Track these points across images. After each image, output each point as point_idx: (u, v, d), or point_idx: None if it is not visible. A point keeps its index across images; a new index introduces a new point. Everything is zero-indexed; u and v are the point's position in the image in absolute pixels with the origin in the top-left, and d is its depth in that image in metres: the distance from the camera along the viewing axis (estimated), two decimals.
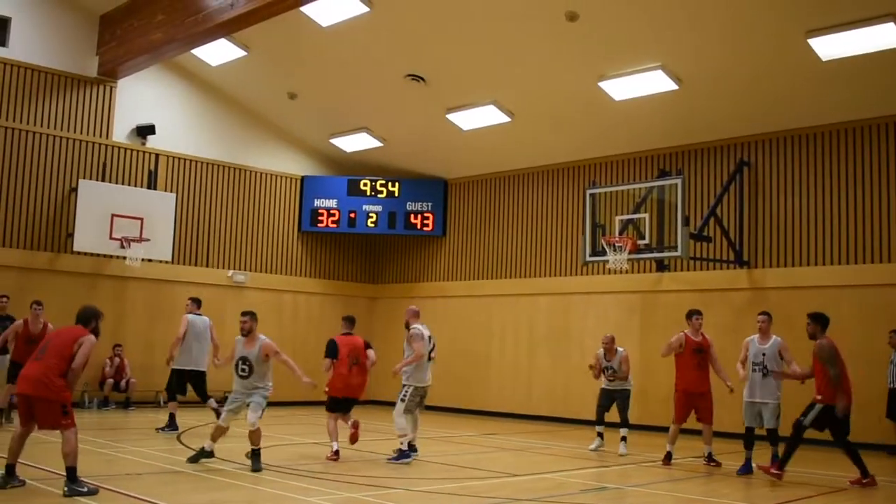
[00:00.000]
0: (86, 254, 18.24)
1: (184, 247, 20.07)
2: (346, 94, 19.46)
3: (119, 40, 18.22)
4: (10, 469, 8.36)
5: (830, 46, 13.84)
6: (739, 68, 15.19)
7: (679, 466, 12.03)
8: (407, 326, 12.03)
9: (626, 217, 16.24)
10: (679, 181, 15.40)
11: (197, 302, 15.16)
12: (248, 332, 10.74)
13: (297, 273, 22.35)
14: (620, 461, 12.49)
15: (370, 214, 22.03)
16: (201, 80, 20.46)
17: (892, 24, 12.94)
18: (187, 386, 14.67)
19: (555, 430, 17.16)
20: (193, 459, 10.48)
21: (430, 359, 12.06)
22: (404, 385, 11.73)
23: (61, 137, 18.40)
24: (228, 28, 16.26)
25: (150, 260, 18.72)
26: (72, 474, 8.12)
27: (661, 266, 17.63)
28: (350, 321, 12.56)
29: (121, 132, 19.30)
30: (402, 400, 11.68)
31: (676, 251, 15.29)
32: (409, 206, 22.14)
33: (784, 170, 16.57)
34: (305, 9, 15.71)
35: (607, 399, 13.86)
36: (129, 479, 9.23)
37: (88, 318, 9.13)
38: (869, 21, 13.10)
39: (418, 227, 22.16)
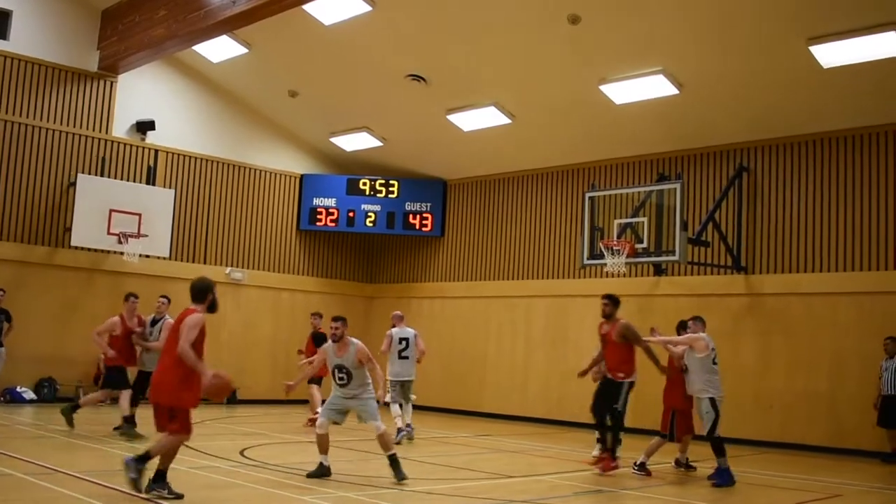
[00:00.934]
0: (83, 249, 18.22)
1: (182, 243, 20.06)
2: (347, 93, 19.46)
3: (120, 35, 18.22)
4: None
5: (831, 54, 13.86)
6: (740, 74, 15.20)
7: (672, 471, 12.01)
8: None
9: (624, 221, 16.24)
10: (678, 186, 15.40)
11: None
12: (339, 338, 10.07)
13: (295, 271, 22.35)
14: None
15: (369, 214, 22.02)
16: (202, 77, 20.45)
17: (893, 32, 12.95)
18: None
19: (550, 433, 17.16)
20: (315, 475, 9.72)
21: (402, 357, 14.26)
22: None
23: (61, 131, 18.39)
24: (230, 25, 16.25)
25: (147, 256, 18.71)
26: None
27: (659, 270, 17.64)
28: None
29: (121, 127, 19.30)
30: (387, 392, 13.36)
31: (674, 255, 15.29)
32: (408, 207, 22.14)
33: (783, 176, 16.58)
34: (308, 7, 15.71)
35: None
36: (123, 475, 9.20)
37: (203, 292, 8.64)
38: (870, 29, 13.12)
39: (417, 227, 22.16)
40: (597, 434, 12.31)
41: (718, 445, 10.83)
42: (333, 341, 10.05)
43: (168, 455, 8.02)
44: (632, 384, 11.60)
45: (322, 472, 9.68)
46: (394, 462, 9.72)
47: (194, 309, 8.41)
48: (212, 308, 8.65)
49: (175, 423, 7.96)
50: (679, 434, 11.76)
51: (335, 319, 10.14)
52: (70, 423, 13.10)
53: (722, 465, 10.78)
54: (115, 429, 13.15)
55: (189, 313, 8.32)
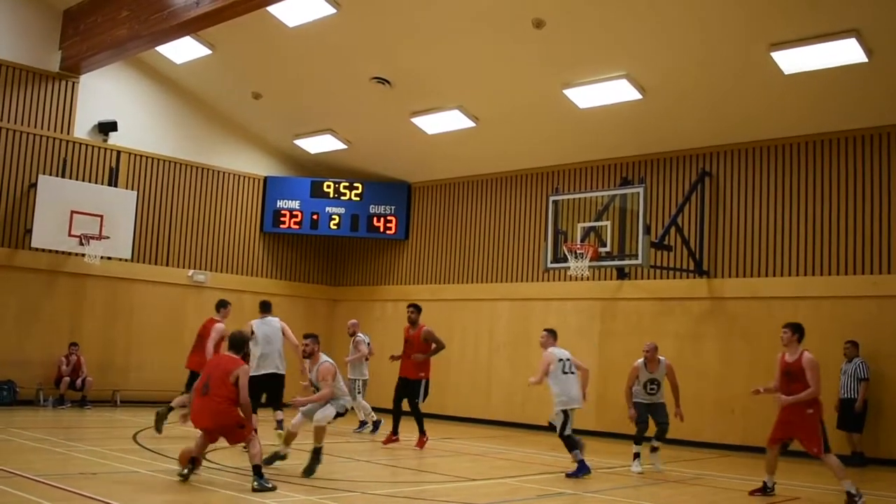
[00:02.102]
0: (44, 250, 18.00)
1: (144, 245, 19.90)
2: (311, 95, 19.41)
3: (82, 35, 18.05)
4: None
5: (793, 60, 14.01)
6: (703, 79, 15.34)
7: (638, 475, 12.09)
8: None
9: (587, 224, 16.31)
10: (641, 190, 15.49)
11: (264, 305, 14.56)
12: (309, 355, 10.75)
13: (259, 274, 22.24)
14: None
15: (333, 216, 21.98)
16: (165, 78, 20.31)
17: (853, 39, 13.12)
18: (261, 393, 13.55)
19: (512, 436, 17.20)
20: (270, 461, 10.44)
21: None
22: None
23: (21, 132, 18.18)
24: (194, 26, 16.15)
25: (109, 258, 18.55)
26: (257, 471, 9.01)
27: (622, 274, 17.76)
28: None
29: (82, 128, 19.11)
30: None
31: (637, 259, 15.37)
32: (373, 209, 22.12)
33: (744, 181, 16.74)
34: (272, 9, 15.65)
35: (645, 413, 12.42)
36: (84, 478, 9.13)
37: (240, 345, 9.80)
38: (831, 36, 13.27)
39: (381, 230, 22.14)
40: (635, 448, 12.45)
41: (570, 443, 11.56)
42: (304, 357, 10.73)
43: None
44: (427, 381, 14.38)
45: (276, 458, 10.57)
46: (316, 455, 10.24)
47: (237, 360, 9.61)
48: (246, 360, 10.01)
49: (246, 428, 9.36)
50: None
51: (306, 336, 10.85)
52: (159, 428, 13.48)
53: (577, 457, 11.51)
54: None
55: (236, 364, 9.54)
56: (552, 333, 12.38)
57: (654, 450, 12.36)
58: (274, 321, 13.85)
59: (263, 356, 13.26)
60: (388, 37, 16.54)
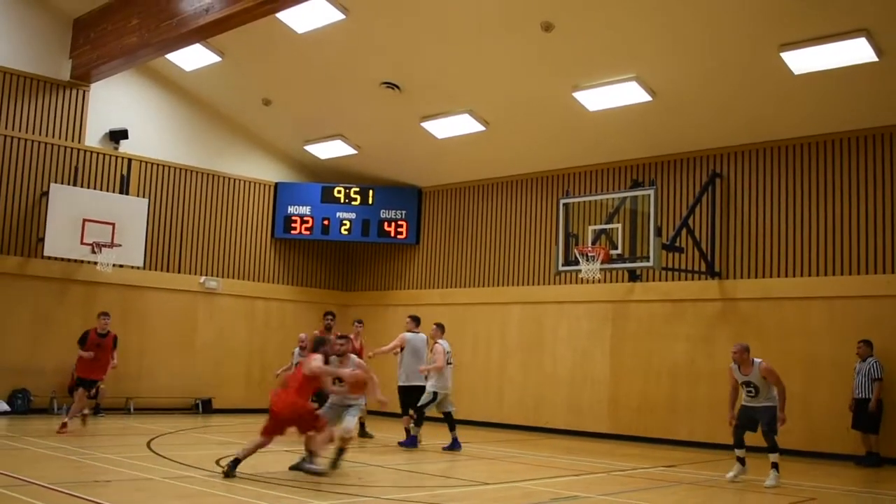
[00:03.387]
0: (56, 259, 18.09)
1: (156, 252, 19.96)
2: (321, 101, 19.44)
3: (93, 44, 18.12)
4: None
5: (802, 60, 13.98)
6: (712, 81, 15.31)
7: (648, 476, 12.06)
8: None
9: (598, 227, 16.30)
10: (652, 192, 15.48)
11: (416, 320, 15.60)
12: (342, 354, 11.65)
13: (270, 280, 22.28)
14: (588, 470, 12.49)
15: (344, 222, 22.01)
16: (175, 85, 20.38)
17: (863, 39, 13.09)
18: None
19: (526, 439, 17.18)
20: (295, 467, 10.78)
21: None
22: None
23: (33, 141, 18.27)
24: (203, 33, 16.21)
25: (121, 265, 18.62)
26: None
27: (634, 276, 17.73)
28: None
29: (93, 136, 19.19)
30: None
31: (648, 261, 15.35)
32: (383, 214, 22.14)
33: (755, 182, 16.70)
34: (281, 15, 15.70)
35: (746, 418, 11.81)
36: (98, 486, 9.15)
37: (317, 346, 10.87)
38: (840, 36, 13.25)
39: (392, 234, 22.17)
40: (736, 453, 11.93)
41: (420, 417, 14.33)
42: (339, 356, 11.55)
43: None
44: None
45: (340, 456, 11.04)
46: (340, 453, 10.91)
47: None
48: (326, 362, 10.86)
49: (320, 420, 10.53)
50: None
51: (340, 337, 12.00)
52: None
53: (412, 432, 14.22)
54: None
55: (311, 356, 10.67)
56: (440, 327, 14.96)
57: (772, 464, 11.45)
58: (422, 336, 15.12)
59: (412, 368, 14.84)
60: (396, 42, 16.57)
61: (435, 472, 11.81)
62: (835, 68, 13.96)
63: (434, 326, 14.94)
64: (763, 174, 16.64)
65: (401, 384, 14.98)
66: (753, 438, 11.77)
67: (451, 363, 14.69)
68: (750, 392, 11.70)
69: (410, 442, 14.42)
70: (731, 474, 11.74)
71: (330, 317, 16.23)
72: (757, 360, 11.64)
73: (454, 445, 14.25)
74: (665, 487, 11.17)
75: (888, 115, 15.02)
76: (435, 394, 14.36)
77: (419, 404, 14.35)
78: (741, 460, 11.74)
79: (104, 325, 15.00)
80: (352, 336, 15.39)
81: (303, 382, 10.30)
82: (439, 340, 14.71)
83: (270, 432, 10.18)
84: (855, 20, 12.99)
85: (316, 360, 10.42)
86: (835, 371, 14.90)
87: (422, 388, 14.58)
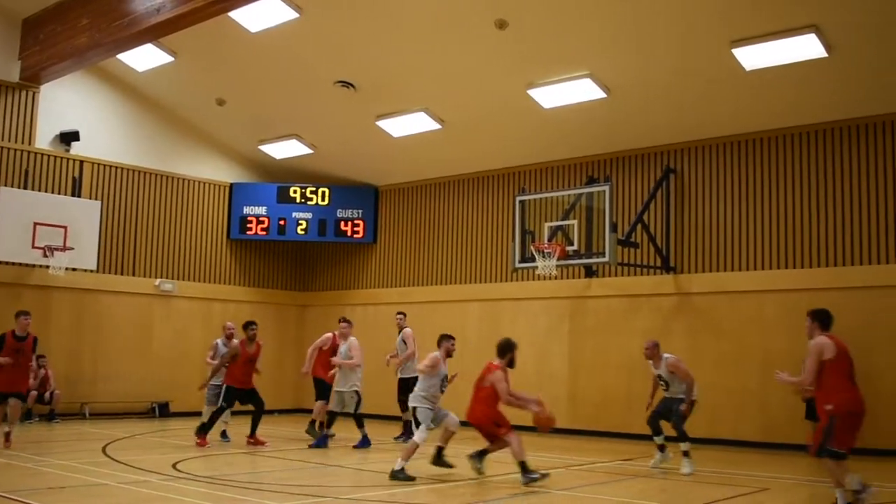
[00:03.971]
0: (7, 263, 17.80)
1: (109, 255, 19.73)
2: (276, 100, 19.34)
3: (42, 45, 17.87)
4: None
5: (754, 57, 14.12)
6: (666, 77, 15.43)
7: (606, 470, 12.13)
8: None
9: (555, 224, 16.37)
10: (607, 188, 15.57)
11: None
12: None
13: (227, 281, 22.12)
14: (549, 465, 12.53)
15: (300, 222, 21.91)
16: (127, 86, 20.15)
17: (813, 35, 13.24)
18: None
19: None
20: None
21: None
22: None
23: None
24: (155, 33, 16.04)
25: (74, 269, 18.36)
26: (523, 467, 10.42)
27: (590, 272, 17.83)
28: None
29: (44, 138, 18.91)
30: None
31: (604, 257, 15.44)
32: (340, 214, 22.07)
33: (709, 177, 16.86)
34: (234, 14, 15.58)
35: (662, 407, 12.37)
36: (52, 492, 9.05)
37: (503, 350, 11.48)
38: (791, 32, 13.39)
39: (349, 234, 22.10)
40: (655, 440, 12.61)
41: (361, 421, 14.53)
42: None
43: (520, 451, 10.61)
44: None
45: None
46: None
47: (497, 365, 11.34)
48: (510, 364, 11.37)
49: (501, 428, 10.93)
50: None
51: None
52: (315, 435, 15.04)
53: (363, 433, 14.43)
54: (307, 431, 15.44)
55: (492, 368, 11.30)
56: (350, 324, 15.19)
57: (683, 452, 11.89)
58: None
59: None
60: (351, 40, 16.51)
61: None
62: (785, 64, 14.11)
63: (345, 323, 15.13)
64: (716, 169, 16.80)
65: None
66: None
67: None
68: (662, 385, 12.41)
69: (321, 441, 14.52)
70: (652, 462, 12.36)
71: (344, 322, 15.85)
72: (666, 355, 12.41)
73: (363, 442, 14.52)
74: (622, 481, 11.26)
75: (838, 110, 15.24)
76: (360, 393, 14.56)
77: (357, 411, 14.49)
78: (661, 448, 12.30)
79: (24, 325, 13.47)
80: (336, 333, 15.49)
81: (490, 393, 11.00)
82: (351, 337, 14.84)
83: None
84: (804, 16, 13.15)
85: (499, 381, 11.09)
86: (790, 363, 14.93)
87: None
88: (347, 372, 14.52)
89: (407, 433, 15.33)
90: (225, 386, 14.48)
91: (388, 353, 16.70)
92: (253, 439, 14.54)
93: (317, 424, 15.34)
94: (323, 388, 15.41)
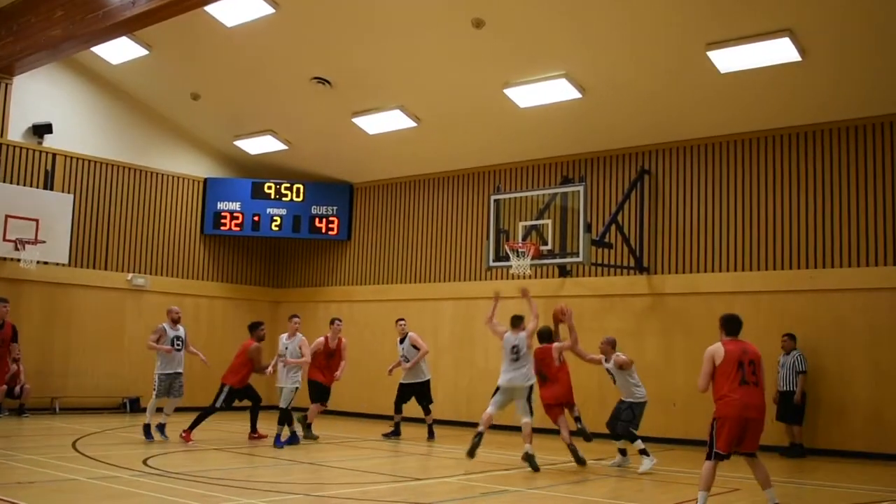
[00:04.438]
0: None
1: (81, 249, 19.58)
2: (251, 95, 19.26)
3: (15, 36, 17.68)
4: None
5: (729, 59, 14.21)
6: (641, 79, 15.50)
7: (579, 469, 12.17)
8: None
9: (529, 223, 16.40)
10: (581, 188, 15.61)
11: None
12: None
13: (200, 277, 22.01)
14: (522, 464, 12.56)
15: (274, 218, 21.83)
16: (101, 79, 20.01)
17: (787, 39, 13.34)
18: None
19: (458, 434, 17.20)
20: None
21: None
22: None
23: None
24: (130, 26, 15.93)
25: (45, 262, 18.19)
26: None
27: (564, 271, 17.87)
28: None
29: (16, 131, 18.73)
30: None
31: (578, 257, 15.49)
32: (314, 210, 22.01)
33: (683, 179, 16.95)
34: (209, 8, 15.49)
35: (615, 408, 12.84)
36: (20, 487, 8.97)
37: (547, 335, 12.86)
38: (766, 35, 13.49)
39: (323, 230, 22.05)
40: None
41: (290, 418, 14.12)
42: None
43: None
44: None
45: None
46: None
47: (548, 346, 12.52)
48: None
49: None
50: None
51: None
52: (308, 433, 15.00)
53: (281, 433, 13.93)
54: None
55: (548, 349, 12.65)
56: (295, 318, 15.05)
57: (640, 451, 12.19)
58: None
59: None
60: (327, 37, 16.47)
61: (366, 469, 11.79)
62: (760, 67, 14.21)
63: (295, 319, 15.01)
64: (690, 171, 16.89)
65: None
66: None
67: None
68: (611, 379, 12.86)
69: (292, 439, 14.27)
70: (612, 462, 12.67)
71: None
72: (619, 353, 12.78)
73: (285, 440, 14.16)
74: (594, 480, 11.30)
75: (811, 113, 15.36)
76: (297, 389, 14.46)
77: (288, 407, 14.14)
78: (622, 451, 12.62)
79: (2, 314, 13.07)
80: (328, 335, 15.45)
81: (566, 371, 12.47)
82: (299, 334, 14.77)
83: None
84: (779, 20, 13.25)
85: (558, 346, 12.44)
86: (763, 363, 15.14)
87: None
88: (292, 368, 14.40)
89: (396, 433, 15.82)
90: (227, 387, 14.39)
91: (361, 349, 16.69)
92: (256, 434, 14.82)
93: (312, 427, 15.25)
94: (318, 391, 15.35)
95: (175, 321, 14.91)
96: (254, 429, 14.84)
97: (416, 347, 16.18)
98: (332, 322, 15.65)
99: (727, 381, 8.71)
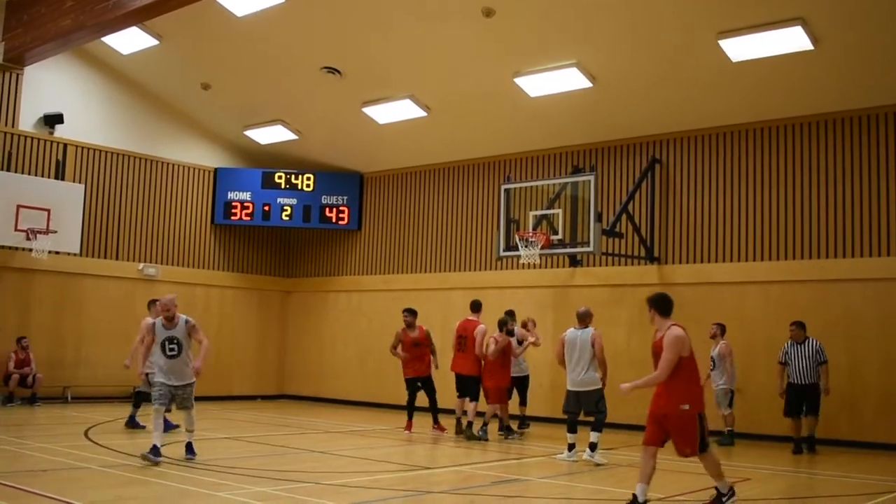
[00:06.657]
0: None
1: (93, 239, 19.64)
2: (261, 85, 19.26)
3: (26, 26, 17.73)
4: None
5: (740, 48, 14.15)
6: (652, 68, 15.45)
7: (588, 459, 12.17)
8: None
9: (539, 212, 16.39)
10: (592, 178, 15.60)
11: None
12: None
13: (210, 266, 22.05)
14: (530, 454, 12.58)
15: (285, 207, 21.86)
16: (112, 69, 20.03)
17: (799, 27, 13.28)
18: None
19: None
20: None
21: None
22: None
23: None
24: (140, 16, 15.93)
25: (57, 252, 18.26)
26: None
27: (574, 261, 17.86)
28: None
29: (27, 121, 18.79)
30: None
31: (589, 247, 15.48)
32: (325, 200, 22.03)
33: (694, 168, 16.91)
34: None
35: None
36: (33, 475, 9.03)
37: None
38: (778, 24, 13.43)
39: (333, 220, 22.07)
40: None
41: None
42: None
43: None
44: None
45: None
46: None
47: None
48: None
49: None
50: None
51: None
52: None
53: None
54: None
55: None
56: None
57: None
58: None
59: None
60: (338, 26, 16.45)
61: (377, 458, 11.82)
62: (771, 56, 14.15)
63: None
64: (701, 160, 16.85)
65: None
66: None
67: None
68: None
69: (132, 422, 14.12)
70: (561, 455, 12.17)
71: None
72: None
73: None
74: (603, 470, 11.30)
75: (823, 102, 15.29)
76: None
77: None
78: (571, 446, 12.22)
79: None
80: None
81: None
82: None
83: None
84: (791, 9, 13.18)
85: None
86: (770, 354, 15.13)
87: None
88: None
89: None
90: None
91: (370, 339, 16.66)
92: (437, 426, 15.37)
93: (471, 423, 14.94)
94: (467, 385, 15.35)
95: (169, 318, 10.75)
96: (435, 420, 15.38)
97: (519, 342, 15.58)
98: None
99: (695, 371, 8.56)
